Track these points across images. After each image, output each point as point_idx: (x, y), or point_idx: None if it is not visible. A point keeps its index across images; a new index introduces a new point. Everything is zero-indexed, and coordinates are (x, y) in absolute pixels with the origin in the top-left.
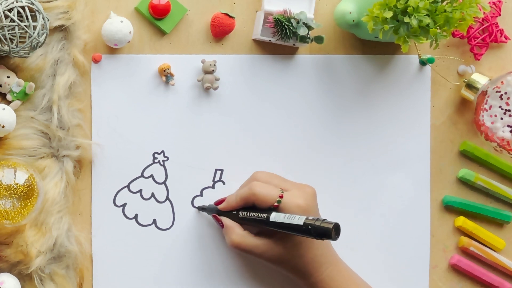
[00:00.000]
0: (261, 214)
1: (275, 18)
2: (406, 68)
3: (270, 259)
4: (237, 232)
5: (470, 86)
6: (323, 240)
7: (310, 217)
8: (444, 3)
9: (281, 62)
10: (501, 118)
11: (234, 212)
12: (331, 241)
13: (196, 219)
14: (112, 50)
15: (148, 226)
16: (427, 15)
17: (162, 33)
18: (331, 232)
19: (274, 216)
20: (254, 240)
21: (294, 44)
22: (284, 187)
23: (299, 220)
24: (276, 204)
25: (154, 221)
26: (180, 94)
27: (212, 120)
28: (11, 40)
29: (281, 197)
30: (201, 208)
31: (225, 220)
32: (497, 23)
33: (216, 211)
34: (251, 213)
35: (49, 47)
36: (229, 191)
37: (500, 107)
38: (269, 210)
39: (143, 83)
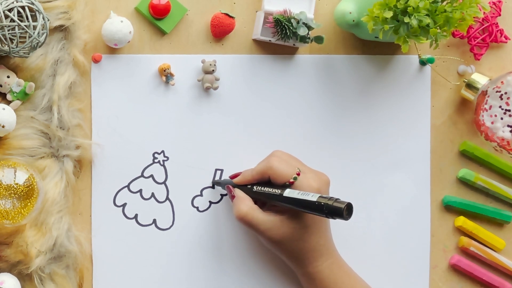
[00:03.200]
0: (275, 190)
1: (275, 18)
2: (406, 68)
3: (273, 238)
4: (246, 203)
5: (470, 86)
6: (334, 219)
7: (324, 195)
8: (444, 3)
9: (281, 62)
10: (501, 118)
11: (249, 186)
12: (333, 239)
13: (196, 219)
14: (112, 50)
15: (148, 226)
16: (427, 15)
17: (162, 33)
18: (343, 211)
19: (288, 192)
20: (262, 215)
21: (294, 44)
22: (302, 169)
23: (312, 197)
24: (292, 180)
25: (154, 221)
26: (180, 94)
27: (212, 120)
28: (11, 40)
29: (298, 174)
30: (216, 183)
31: (237, 191)
32: (497, 23)
33: (231, 185)
34: (265, 187)
35: (49, 47)
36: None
37: (500, 107)
38: (283, 187)
39: (143, 83)
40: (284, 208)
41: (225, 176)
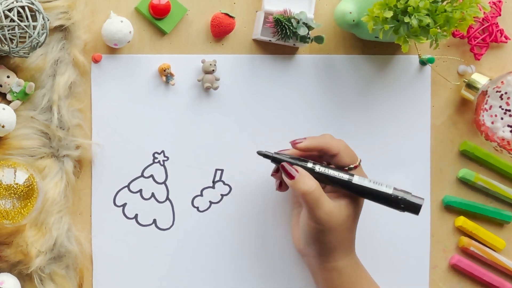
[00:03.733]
0: (342, 174)
1: (275, 18)
2: (406, 68)
3: (331, 222)
4: (314, 181)
5: (470, 86)
6: (404, 212)
7: (397, 187)
8: (444, 3)
9: (281, 62)
10: (501, 118)
11: (310, 166)
12: None
13: (196, 219)
14: (112, 50)
15: (148, 226)
16: (427, 15)
17: (162, 33)
18: (419, 207)
19: (358, 179)
20: (327, 199)
21: (294, 44)
22: None
23: (387, 188)
24: (357, 164)
25: (154, 221)
26: (180, 94)
27: (212, 120)
28: (11, 40)
29: (360, 161)
30: (264, 155)
31: (300, 168)
32: (497, 23)
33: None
34: (330, 170)
35: (49, 47)
36: (229, 191)
37: (500, 107)
38: (344, 171)
39: (143, 83)
40: (342, 193)
41: (225, 176)
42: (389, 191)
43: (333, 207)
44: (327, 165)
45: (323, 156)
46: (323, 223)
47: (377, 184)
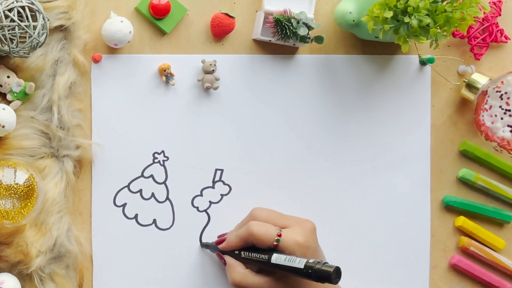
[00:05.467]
0: (262, 255)
1: (275, 18)
2: (406, 68)
3: None
4: (238, 271)
5: (470, 86)
6: (323, 283)
7: (311, 260)
8: (444, 3)
9: (281, 62)
10: (501, 118)
11: (236, 252)
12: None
13: (196, 219)
14: (112, 50)
15: (148, 226)
16: (427, 15)
17: (162, 33)
18: (331, 275)
19: (275, 258)
20: (256, 279)
21: (294, 44)
22: (283, 223)
23: (299, 263)
24: (275, 243)
25: (154, 221)
26: (180, 94)
27: (212, 120)
28: (11, 40)
29: (279, 235)
30: (205, 245)
31: (228, 258)
32: (497, 23)
33: (220, 250)
34: (252, 253)
35: (49, 47)
36: (229, 191)
37: (500, 107)
38: (270, 249)
39: (143, 83)
40: (270, 270)
41: (225, 176)
42: (301, 266)
43: (265, 286)
44: (254, 248)
45: None
46: None
47: (291, 260)
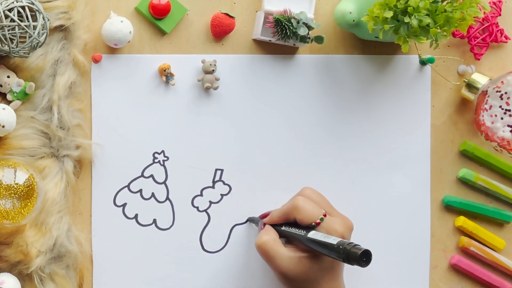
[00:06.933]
0: (302, 230)
1: (275, 18)
2: (406, 68)
3: (287, 273)
4: (269, 234)
5: (470, 86)
6: (352, 264)
7: (345, 240)
8: (444, 3)
9: (281, 62)
10: (501, 118)
11: (277, 226)
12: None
13: (196, 219)
14: (112, 50)
15: (148, 226)
16: (427, 15)
17: (162, 33)
18: (358, 256)
19: (313, 233)
20: (282, 249)
21: (294, 44)
22: (328, 211)
23: (334, 240)
24: (318, 221)
25: (154, 221)
26: (180, 94)
27: (212, 120)
28: (11, 40)
29: (325, 215)
30: (251, 219)
31: (268, 226)
32: (497, 23)
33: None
34: (293, 228)
35: (49, 47)
36: (229, 190)
37: (500, 107)
38: (310, 228)
39: (143, 83)
40: (307, 248)
41: (225, 176)
42: (334, 242)
43: (288, 259)
44: (297, 224)
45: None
46: (280, 274)
47: (327, 237)
